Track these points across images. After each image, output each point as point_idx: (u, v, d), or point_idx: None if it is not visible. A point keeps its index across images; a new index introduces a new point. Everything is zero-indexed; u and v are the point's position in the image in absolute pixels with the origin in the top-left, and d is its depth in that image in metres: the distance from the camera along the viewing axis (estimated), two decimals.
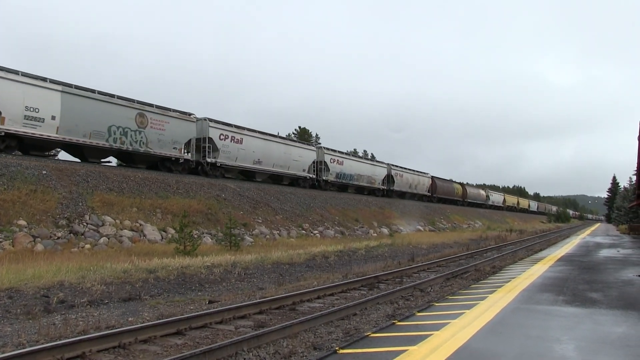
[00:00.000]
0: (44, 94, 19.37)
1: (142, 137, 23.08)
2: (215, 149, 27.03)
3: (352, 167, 40.59)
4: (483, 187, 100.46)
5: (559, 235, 43.78)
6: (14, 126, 18.48)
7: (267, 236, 23.38)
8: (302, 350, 6.36)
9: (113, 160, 24.72)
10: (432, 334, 6.41)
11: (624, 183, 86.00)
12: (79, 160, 22.49)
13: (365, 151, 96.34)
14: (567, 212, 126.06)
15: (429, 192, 55.63)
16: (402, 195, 49.67)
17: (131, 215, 18.76)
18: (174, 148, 24.85)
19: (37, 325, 7.86)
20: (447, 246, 28.04)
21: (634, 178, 55.43)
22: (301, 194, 32.16)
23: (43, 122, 19.20)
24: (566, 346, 5.82)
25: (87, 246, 15.61)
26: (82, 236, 16.13)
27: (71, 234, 15.93)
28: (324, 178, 36.97)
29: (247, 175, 31.39)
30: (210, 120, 27.08)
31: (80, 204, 17.52)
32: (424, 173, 55.69)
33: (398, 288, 11.45)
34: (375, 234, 32.46)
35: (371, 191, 44.45)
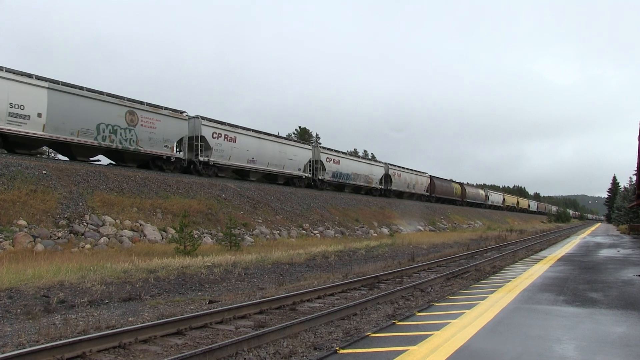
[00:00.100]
0: (30, 90, 18.87)
1: (132, 135, 22.65)
2: (208, 148, 26.59)
3: (348, 166, 40.09)
4: (483, 187, 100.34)
5: (559, 235, 43.77)
6: None
7: (268, 236, 23.38)
8: (303, 350, 6.36)
9: (103, 159, 24.26)
10: (432, 334, 6.40)
11: (624, 183, 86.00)
12: (67, 159, 22.26)
13: (365, 151, 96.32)
14: (567, 212, 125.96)
15: (427, 191, 55.31)
16: (400, 195, 49.36)
17: (131, 215, 18.76)
18: (166, 146, 24.43)
19: (37, 325, 7.86)
20: (447, 246, 28.04)
21: (634, 178, 55.45)
22: (301, 194, 32.15)
23: (29, 119, 18.71)
24: (566, 346, 5.81)
25: (88, 246, 15.61)
26: (83, 236, 16.14)
27: (71, 234, 15.93)
28: (320, 177, 36.53)
29: (241, 174, 30.94)
30: (203, 118, 26.63)
31: (80, 204, 17.52)
32: (423, 173, 55.33)
33: (398, 288, 11.44)
34: (376, 234, 32.46)
35: (368, 191, 44.03)
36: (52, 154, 23.71)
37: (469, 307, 8.36)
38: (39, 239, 14.84)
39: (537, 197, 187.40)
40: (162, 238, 18.51)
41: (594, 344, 5.90)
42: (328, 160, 37.33)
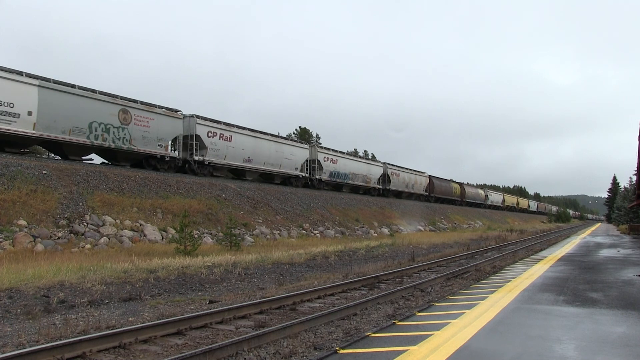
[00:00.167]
0: (20, 88, 18.54)
1: (125, 134, 22.34)
2: (203, 147, 26.27)
3: (346, 165, 39.72)
4: (482, 187, 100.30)
5: (560, 235, 43.76)
6: None
7: (268, 236, 23.38)
8: (303, 350, 6.36)
9: (96, 159, 23.86)
10: (432, 334, 6.40)
11: (624, 183, 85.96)
12: (59, 158, 22.05)
13: (365, 151, 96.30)
14: (567, 212, 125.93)
15: (426, 191, 55.02)
16: (398, 195, 49.08)
17: (131, 215, 18.77)
18: (159, 145, 24.10)
19: (37, 325, 7.86)
20: (447, 246, 28.04)
21: (634, 178, 55.43)
22: (301, 193, 32.15)
23: (18, 117, 18.40)
24: (566, 346, 5.81)
25: (88, 246, 15.62)
26: (83, 236, 16.14)
27: (71, 234, 15.93)
28: (318, 177, 36.23)
29: (236, 174, 30.60)
30: (198, 117, 26.28)
31: (80, 204, 17.52)
32: (421, 172, 55.04)
33: (398, 288, 11.44)
34: (376, 234, 32.46)
35: (366, 191, 43.68)
36: (52, 154, 23.48)
37: (469, 307, 8.36)
38: (39, 239, 14.85)
39: (537, 197, 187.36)
40: (163, 238, 18.51)
41: (594, 344, 5.90)
42: (325, 159, 37.01)
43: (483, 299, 9.18)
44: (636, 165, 39.14)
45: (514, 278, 12.21)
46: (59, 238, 15.42)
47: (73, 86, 20.66)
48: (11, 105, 18.25)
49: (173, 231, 18.57)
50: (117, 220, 17.89)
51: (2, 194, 15.61)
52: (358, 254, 20.83)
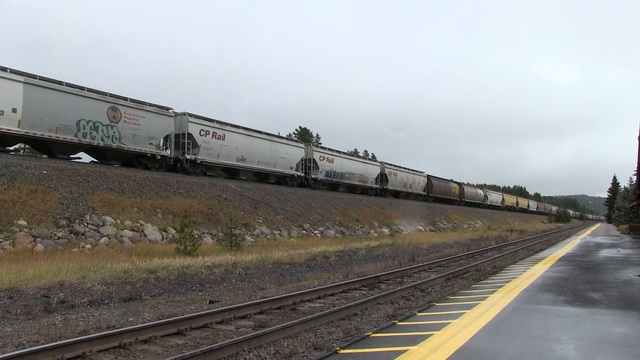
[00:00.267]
0: (4, 85, 18.13)
1: (114, 132, 21.89)
2: (195, 145, 25.81)
3: (343, 165, 39.14)
4: (482, 187, 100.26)
5: (560, 235, 43.76)
6: None
7: (268, 236, 23.38)
8: (303, 350, 6.36)
9: (84, 157, 23.33)
10: (432, 334, 6.40)
11: (624, 183, 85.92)
12: (46, 156, 21.73)
13: (365, 151, 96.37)
14: (567, 212, 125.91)
15: (424, 191, 54.67)
16: (396, 194, 48.74)
17: (132, 215, 18.77)
18: (150, 144, 23.65)
19: (38, 326, 7.87)
20: (447, 246, 28.04)
21: (634, 178, 55.41)
22: (302, 193, 32.15)
23: (2, 114, 17.97)
24: (567, 346, 5.81)
25: (88, 246, 15.62)
26: (83, 236, 16.14)
27: (72, 234, 15.93)
28: (313, 176, 35.72)
29: (230, 173, 30.12)
30: (190, 115, 25.87)
31: (80, 204, 17.53)
32: (420, 172, 54.66)
33: (399, 288, 11.44)
34: (376, 234, 32.47)
35: (363, 190, 43.19)
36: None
37: (470, 307, 8.36)
38: (39, 239, 14.85)
39: (537, 197, 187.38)
40: (163, 238, 18.52)
41: (594, 344, 5.90)
42: (321, 158, 36.54)
43: (483, 299, 9.18)
44: (636, 165, 39.14)
45: (514, 278, 12.20)
46: (59, 238, 15.42)
47: (60, 83, 20.28)
48: None
49: (173, 231, 18.57)
50: (117, 220, 17.89)
51: (2, 194, 15.62)
52: (358, 254, 20.83)
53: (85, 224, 16.77)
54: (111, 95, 22.25)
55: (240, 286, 12.94)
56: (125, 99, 22.93)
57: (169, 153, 25.30)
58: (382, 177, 45.83)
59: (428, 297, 10.35)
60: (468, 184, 74.32)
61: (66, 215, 16.58)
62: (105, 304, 10.05)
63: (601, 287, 10.70)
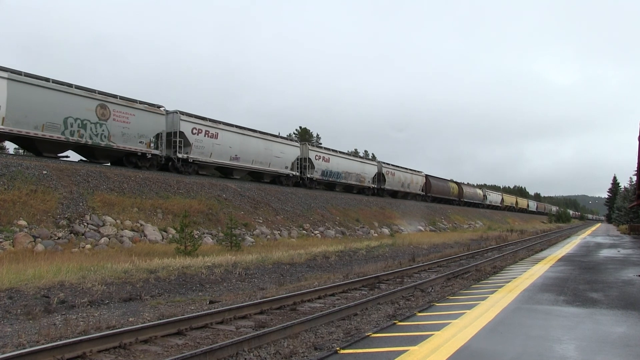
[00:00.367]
0: None
1: (103, 130, 21.47)
2: (187, 144, 25.42)
3: (339, 164, 38.70)
4: (482, 186, 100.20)
5: (560, 236, 43.75)
6: None
7: (268, 236, 23.38)
8: (303, 350, 6.36)
9: (73, 155, 22.88)
10: (433, 334, 6.40)
11: (624, 183, 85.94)
12: (33, 155, 21.38)
13: (366, 151, 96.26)
14: (567, 212, 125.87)
15: (422, 191, 54.24)
16: (394, 194, 48.43)
17: (132, 215, 18.77)
18: (141, 142, 23.25)
19: (38, 326, 7.87)
20: (447, 246, 28.04)
21: (634, 178, 55.41)
22: (302, 194, 32.14)
23: None
24: (567, 346, 5.81)
25: (88, 246, 15.62)
26: (83, 236, 16.14)
27: (72, 234, 15.93)
28: (309, 176, 35.33)
29: (223, 172, 29.74)
30: (182, 113, 25.48)
31: (80, 204, 17.53)
32: (418, 171, 54.24)
33: (399, 288, 11.44)
34: (376, 234, 32.46)
35: (360, 190, 42.82)
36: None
37: (470, 307, 8.36)
38: (39, 239, 14.85)
39: (537, 197, 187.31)
40: (163, 238, 18.52)
41: (594, 344, 5.90)
42: (317, 158, 36.16)
43: (483, 299, 9.17)
44: (636, 165, 39.13)
45: (514, 278, 12.20)
46: (59, 238, 15.42)
47: (47, 80, 19.88)
48: None
49: (173, 231, 18.57)
50: (117, 221, 17.89)
51: (2, 194, 15.62)
52: (358, 254, 20.83)
53: (86, 224, 16.78)
54: (100, 93, 21.86)
55: (240, 286, 12.94)
56: (115, 96, 22.51)
57: (160, 152, 24.87)
58: (380, 177, 45.51)
59: (428, 297, 10.35)
60: (467, 184, 74.23)
61: (66, 216, 16.58)
62: (106, 304, 10.05)
63: (601, 287, 10.69)
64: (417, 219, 42.91)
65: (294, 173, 33.93)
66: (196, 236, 17.32)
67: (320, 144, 62.19)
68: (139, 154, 23.58)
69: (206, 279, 13.04)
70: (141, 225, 18.55)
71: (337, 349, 5.98)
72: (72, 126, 20.37)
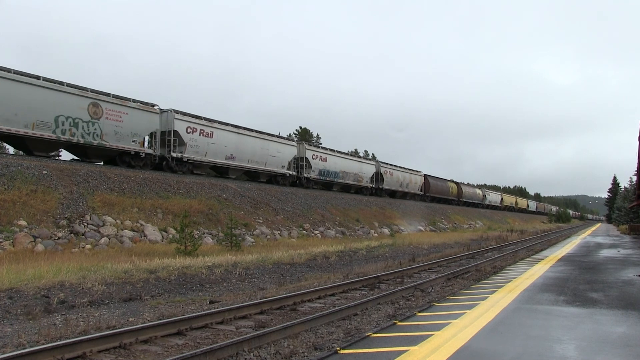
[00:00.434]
0: None
1: (95, 129, 21.19)
2: (181, 143, 25.19)
3: (336, 164, 38.35)
4: (481, 186, 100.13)
5: (560, 236, 43.75)
6: None
7: (268, 236, 23.38)
8: (303, 350, 6.36)
9: (65, 154, 22.80)
10: (433, 334, 6.40)
11: (624, 183, 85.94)
12: (23, 154, 21.28)
13: (366, 151, 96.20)
14: (567, 212, 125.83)
15: (421, 190, 53.96)
16: (392, 194, 48.20)
17: (132, 215, 18.77)
18: (134, 141, 22.97)
19: (38, 326, 7.87)
20: (448, 246, 28.04)
21: (634, 178, 55.41)
22: (302, 194, 32.13)
23: None
24: (567, 346, 5.81)
25: (88, 246, 15.62)
26: (83, 236, 16.14)
27: (72, 234, 15.93)
28: (306, 175, 35.06)
29: (219, 171, 29.45)
30: (176, 111, 25.17)
31: (81, 204, 17.53)
32: (417, 171, 53.94)
33: (399, 288, 11.44)
34: (377, 234, 32.46)
35: (358, 190, 42.59)
36: (53, 154, 23.16)
37: (470, 307, 8.36)
38: (39, 239, 14.85)
39: (537, 197, 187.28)
40: (163, 238, 18.52)
41: (594, 344, 5.90)
42: (314, 157, 35.86)
43: (483, 299, 9.17)
44: (636, 165, 39.13)
45: (514, 278, 12.20)
46: (59, 238, 15.42)
47: (38, 77, 19.60)
48: None
49: (173, 231, 18.57)
50: (117, 221, 17.89)
51: (2, 194, 15.62)
52: (359, 254, 20.83)
53: (86, 224, 16.78)
54: (92, 91, 21.60)
55: (240, 286, 12.94)
56: (108, 94, 22.24)
57: (154, 151, 24.64)
58: (378, 177, 45.25)
59: (428, 297, 10.35)
60: (466, 184, 74.10)
61: (66, 216, 16.58)
62: (106, 304, 10.05)
63: (601, 287, 10.69)
64: (417, 219, 42.89)
65: (290, 173, 33.67)
66: (196, 236, 17.32)
67: (320, 143, 62.19)
68: (133, 153, 23.33)
69: (206, 279, 13.04)
70: (141, 225, 18.55)
71: (337, 349, 5.98)
72: (63, 125, 20.12)
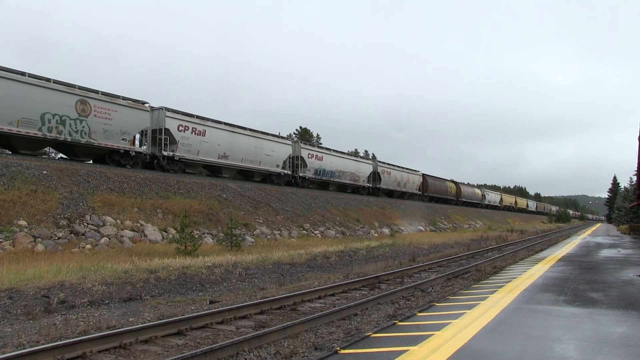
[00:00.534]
0: None
1: (83, 127, 20.72)
2: (173, 142, 24.75)
3: (332, 163, 37.80)
4: (481, 186, 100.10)
5: (560, 236, 43.75)
6: None
7: (268, 236, 23.38)
8: (303, 350, 6.36)
9: (52, 153, 22.46)
10: (433, 334, 6.40)
11: (624, 183, 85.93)
12: (9, 153, 20.74)
13: (366, 151, 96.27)
14: (567, 212, 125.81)
15: (419, 190, 53.60)
16: (390, 193, 47.89)
17: (132, 215, 18.77)
18: (124, 139, 22.54)
19: (38, 326, 7.87)
20: (448, 246, 28.04)
21: (634, 178, 55.39)
22: (302, 194, 32.13)
23: None
24: (567, 346, 5.81)
25: (88, 246, 15.62)
26: (83, 236, 16.14)
27: (72, 234, 15.93)
28: (301, 174, 34.53)
29: (211, 170, 29.10)
30: (168, 109, 24.68)
31: (81, 204, 17.53)
32: (415, 170, 53.55)
33: (399, 288, 11.44)
34: (377, 234, 32.46)
35: (355, 189, 42.01)
36: (53, 154, 23.14)
37: (470, 307, 8.36)
38: (40, 239, 14.85)
39: (537, 197, 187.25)
40: (163, 238, 18.52)
41: (594, 344, 5.90)
42: (310, 156, 35.37)
43: (483, 299, 9.17)
44: (636, 165, 39.14)
45: (514, 278, 12.20)
46: (59, 238, 15.42)
47: (23, 74, 19.07)
48: None
49: (174, 231, 18.57)
50: (117, 221, 17.89)
51: (2, 194, 15.62)
52: (359, 254, 20.83)
53: (86, 224, 16.78)
54: (80, 88, 21.09)
55: (240, 286, 12.94)
56: (96, 91, 21.77)
57: (145, 149, 24.24)
58: (375, 176, 44.86)
59: (428, 297, 10.35)
60: (465, 184, 73.96)
61: (66, 216, 16.58)
62: (106, 304, 10.05)
63: (601, 287, 10.69)
64: (418, 219, 42.88)
65: (285, 172, 33.22)
66: (196, 236, 17.32)
67: (321, 143, 62.17)
68: (122, 151, 22.92)
69: (206, 279, 13.04)
70: (141, 225, 18.55)
71: (337, 349, 5.98)
72: (49, 122, 19.64)
